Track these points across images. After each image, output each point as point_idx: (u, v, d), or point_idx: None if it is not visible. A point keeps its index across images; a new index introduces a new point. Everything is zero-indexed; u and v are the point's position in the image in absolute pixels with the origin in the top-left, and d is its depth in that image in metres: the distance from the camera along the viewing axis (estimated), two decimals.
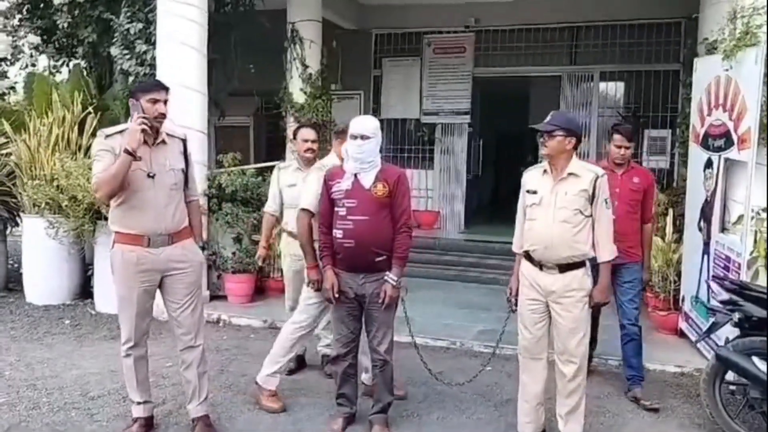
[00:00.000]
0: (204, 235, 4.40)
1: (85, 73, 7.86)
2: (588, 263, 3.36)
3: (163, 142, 3.40)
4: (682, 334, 5.29)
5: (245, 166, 6.79)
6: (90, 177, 5.75)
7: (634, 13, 8.15)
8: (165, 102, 3.31)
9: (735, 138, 4.39)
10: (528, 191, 3.40)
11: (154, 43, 6.20)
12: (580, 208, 3.26)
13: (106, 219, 5.73)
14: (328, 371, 4.47)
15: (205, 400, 3.61)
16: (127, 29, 6.51)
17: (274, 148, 9.36)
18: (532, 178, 3.43)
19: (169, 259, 3.39)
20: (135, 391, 3.51)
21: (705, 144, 4.91)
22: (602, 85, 8.83)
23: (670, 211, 6.01)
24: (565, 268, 3.29)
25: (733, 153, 4.44)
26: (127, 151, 3.12)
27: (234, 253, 6.32)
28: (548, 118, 3.38)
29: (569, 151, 3.31)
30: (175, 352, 4.67)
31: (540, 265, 3.34)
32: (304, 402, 4.08)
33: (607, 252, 3.34)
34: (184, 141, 3.54)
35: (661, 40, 8.27)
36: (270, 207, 4.61)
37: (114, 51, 6.66)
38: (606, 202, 3.31)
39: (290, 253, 4.48)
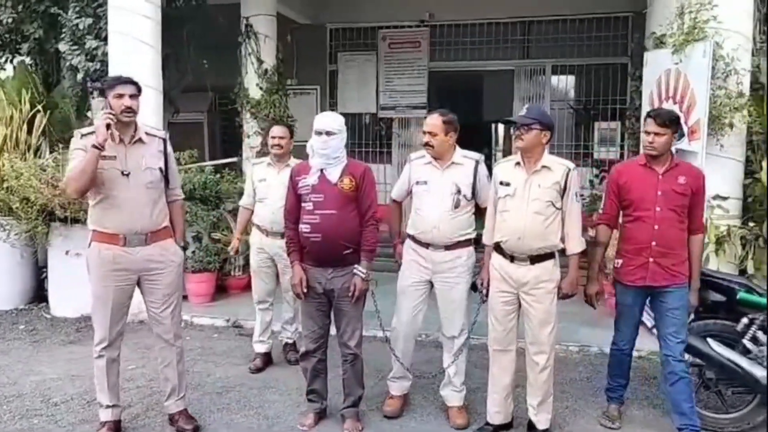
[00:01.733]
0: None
1: (30, 70, 7.61)
2: (558, 254, 3.44)
3: (140, 140, 3.38)
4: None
5: (203, 163, 6.70)
6: (42, 178, 5.65)
7: (583, 7, 8.32)
8: (131, 96, 3.28)
9: (686, 129, 4.55)
10: (501, 183, 3.44)
11: (105, 39, 6.04)
12: (553, 201, 3.33)
13: (60, 221, 5.66)
14: (291, 358, 4.66)
15: (183, 396, 3.63)
16: (76, 24, 6.33)
17: (229, 145, 9.22)
18: (504, 170, 3.48)
19: (146, 258, 3.37)
20: (105, 393, 3.45)
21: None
22: (554, 79, 8.98)
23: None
24: (536, 259, 3.36)
25: (683, 144, 4.60)
26: (94, 146, 3.11)
27: (194, 252, 6.23)
28: (524, 111, 3.41)
29: (543, 144, 3.38)
30: (137, 354, 4.66)
31: (511, 257, 3.40)
32: (274, 399, 4.08)
33: (575, 244, 3.43)
34: (164, 140, 3.52)
35: (609, 34, 8.47)
36: (245, 201, 4.76)
37: (62, 47, 6.47)
38: (576, 196, 3.39)
39: (257, 247, 4.60)
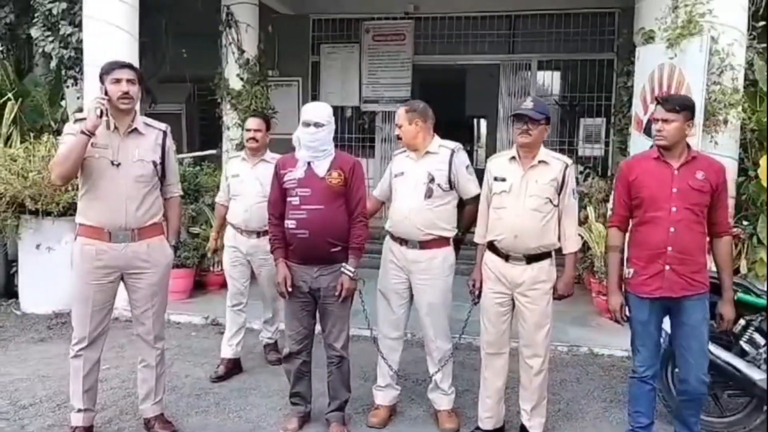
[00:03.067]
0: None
1: (1, 56, 7.33)
2: (552, 254, 3.31)
3: (137, 130, 3.20)
4: (626, 319, 5.37)
5: (181, 155, 6.49)
6: (12, 168, 5.42)
7: (569, 2, 8.22)
8: (129, 81, 3.09)
9: None
10: (496, 179, 3.29)
11: (79, 25, 5.81)
12: (550, 197, 3.20)
13: (31, 213, 5.42)
14: (272, 358, 4.50)
15: (160, 400, 3.45)
16: (50, 9, 6.08)
17: (208, 137, 9.02)
18: (498, 165, 3.34)
19: (132, 256, 3.20)
20: (79, 397, 3.26)
21: (648, 131, 4.98)
22: (540, 74, 8.90)
23: (612, 197, 6.11)
24: (532, 259, 3.23)
25: None
26: (83, 132, 2.95)
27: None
28: (530, 104, 3.20)
29: (543, 139, 3.26)
30: (111, 354, 4.47)
31: (506, 256, 3.26)
32: (255, 402, 3.91)
33: (572, 243, 3.30)
34: (164, 133, 3.33)
35: (595, 29, 8.38)
36: (221, 197, 4.52)
37: (35, 33, 6.23)
38: (573, 192, 3.26)
39: (231, 246, 4.36)
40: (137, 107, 3.30)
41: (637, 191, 3.10)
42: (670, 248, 3.01)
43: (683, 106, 3.02)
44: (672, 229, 3.00)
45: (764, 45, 4.86)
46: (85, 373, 3.24)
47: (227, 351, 4.39)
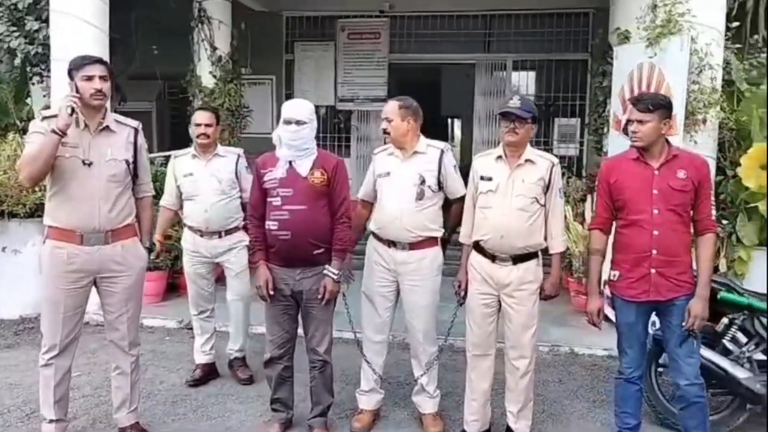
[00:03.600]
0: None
1: None
2: (539, 254, 3.27)
3: (108, 128, 3.07)
4: (606, 318, 5.36)
5: (153, 155, 6.32)
6: None
7: (544, 2, 8.23)
8: (102, 78, 2.98)
9: None
10: (482, 178, 3.24)
11: (46, 20, 5.62)
12: (537, 197, 3.16)
13: None
14: (242, 375, 4.18)
15: (136, 408, 3.33)
16: (15, 4, 5.89)
17: (179, 136, 8.82)
18: (484, 164, 3.28)
19: (105, 259, 3.07)
20: (50, 407, 3.12)
21: (627, 131, 4.97)
22: (514, 74, 8.90)
23: (589, 197, 6.13)
24: (518, 259, 3.18)
25: None
26: (54, 131, 2.82)
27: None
28: (517, 102, 3.13)
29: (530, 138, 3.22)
30: (82, 360, 4.31)
31: (492, 257, 3.21)
32: (234, 408, 3.80)
33: (559, 243, 3.26)
34: (136, 130, 3.20)
35: (570, 29, 8.41)
36: (166, 200, 4.23)
37: None
38: (560, 192, 3.22)
39: (191, 251, 4.14)
40: (107, 104, 3.18)
41: (618, 193, 3.06)
42: (654, 251, 2.97)
43: (657, 105, 2.95)
44: (655, 232, 2.96)
45: (739, 45, 4.91)
46: (57, 383, 3.11)
47: (201, 357, 4.24)
